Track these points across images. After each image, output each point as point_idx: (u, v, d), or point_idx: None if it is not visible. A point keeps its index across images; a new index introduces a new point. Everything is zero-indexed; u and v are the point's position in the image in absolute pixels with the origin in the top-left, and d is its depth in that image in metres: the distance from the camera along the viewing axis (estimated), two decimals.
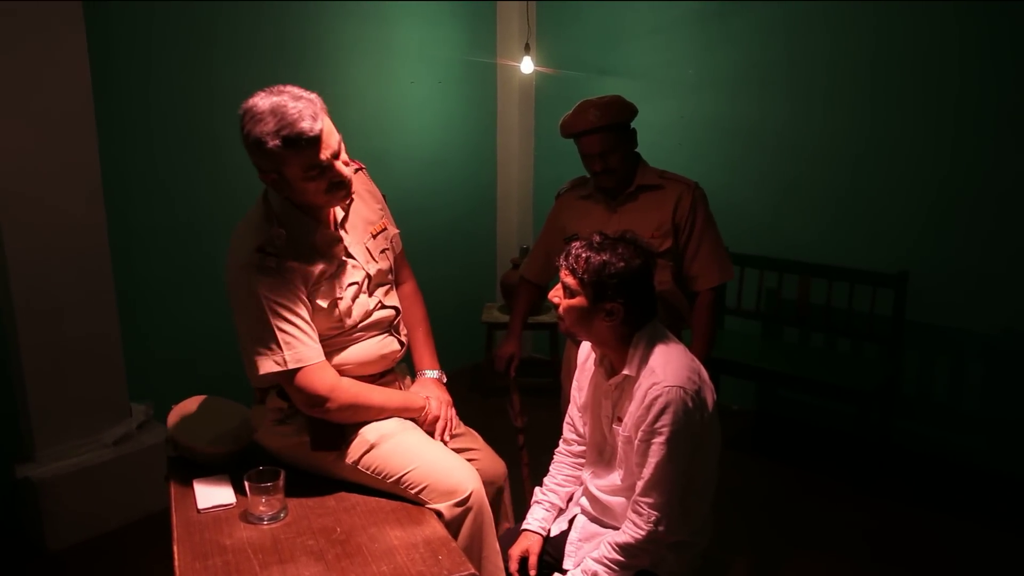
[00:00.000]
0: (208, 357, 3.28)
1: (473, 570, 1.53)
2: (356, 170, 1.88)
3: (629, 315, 1.68)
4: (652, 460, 1.63)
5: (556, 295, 1.74)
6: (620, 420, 1.74)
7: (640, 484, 1.66)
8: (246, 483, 1.66)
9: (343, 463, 1.79)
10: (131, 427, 2.93)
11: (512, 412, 2.55)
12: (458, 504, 1.73)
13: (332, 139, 1.66)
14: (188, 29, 3.10)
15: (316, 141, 1.61)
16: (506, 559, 1.86)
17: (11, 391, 2.78)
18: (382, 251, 1.93)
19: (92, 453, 2.83)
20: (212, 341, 3.23)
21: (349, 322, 1.81)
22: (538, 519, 1.92)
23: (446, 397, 2.01)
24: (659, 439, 1.62)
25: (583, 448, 1.96)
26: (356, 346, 1.85)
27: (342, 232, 1.83)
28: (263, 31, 3.33)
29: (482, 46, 4.32)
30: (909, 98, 3.24)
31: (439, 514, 1.72)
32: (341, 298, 1.79)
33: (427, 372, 2.07)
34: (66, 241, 2.71)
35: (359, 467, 1.78)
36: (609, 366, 1.79)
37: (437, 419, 1.93)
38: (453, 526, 1.72)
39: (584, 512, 1.90)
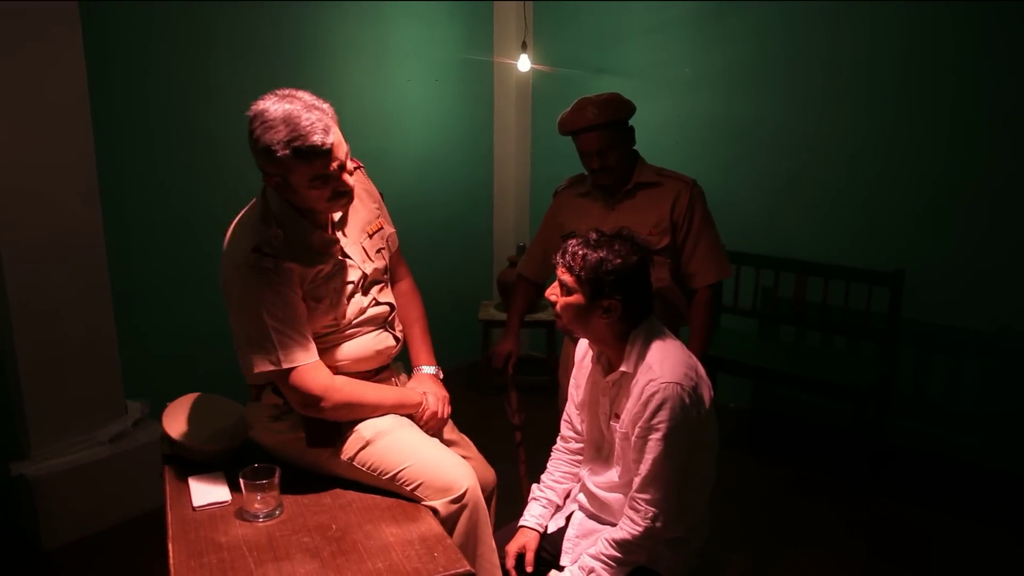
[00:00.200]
0: (204, 354, 3.28)
1: (468, 567, 1.53)
2: (354, 169, 1.87)
3: (627, 311, 1.68)
4: (649, 456, 1.63)
5: (553, 293, 1.74)
6: (617, 417, 1.74)
7: (637, 480, 1.66)
8: (241, 480, 1.65)
9: (339, 460, 1.79)
10: (127, 425, 2.92)
11: (510, 409, 2.55)
12: (454, 501, 1.73)
13: (340, 151, 1.66)
14: (185, 28, 3.10)
15: (326, 154, 1.62)
16: (503, 556, 1.86)
17: (6, 388, 2.77)
18: (378, 250, 1.93)
19: (88, 451, 2.82)
20: (208, 338, 3.23)
21: (343, 321, 1.82)
22: (535, 515, 1.92)
23: (443, 393, 2.01)
24: (656, 435, 1.62)
25: (580, 445, 1.96)
26: (352, 342, 1.85)
27: (339, 233, 1.83)
28: (260, 30, 3.32)
29: (479, 44, 4.32)
30: (905, 97, 3.25)
31: (435, 511, 1.72)
32: (336, 297, 1.79)
33: (424, 368, 2.07)
34: (62, 238, 2.70)
35: (355, 464, 1.78)
36: (607, 363, 1.79)
37: (435, 415, 1.93)
38: (449, 523, 1.72)
39: (582, 508, 1.90)
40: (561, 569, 1.81)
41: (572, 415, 1.97)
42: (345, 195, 1.72)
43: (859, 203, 3.43)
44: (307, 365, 1.71)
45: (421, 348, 2.10)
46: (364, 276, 1.86)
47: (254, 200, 1.80)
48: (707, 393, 1.72)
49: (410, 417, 1.91)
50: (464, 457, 1.97)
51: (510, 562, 1.85)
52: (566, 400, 2.00)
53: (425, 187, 4.15)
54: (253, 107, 1.63)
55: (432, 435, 1.91)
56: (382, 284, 1.95)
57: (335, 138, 1.64)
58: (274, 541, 1.59)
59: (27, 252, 2.63)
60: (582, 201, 2.53)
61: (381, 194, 2.02)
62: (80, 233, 2.75)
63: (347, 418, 1.80)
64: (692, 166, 3.23)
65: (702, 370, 1.75)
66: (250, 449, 1.89)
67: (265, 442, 1.87)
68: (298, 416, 1.79)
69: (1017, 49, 2.98)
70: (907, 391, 3.44)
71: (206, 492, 1.75)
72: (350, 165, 1.72)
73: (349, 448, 1.78)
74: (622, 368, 1.71)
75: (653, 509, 1.65)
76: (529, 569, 1.85)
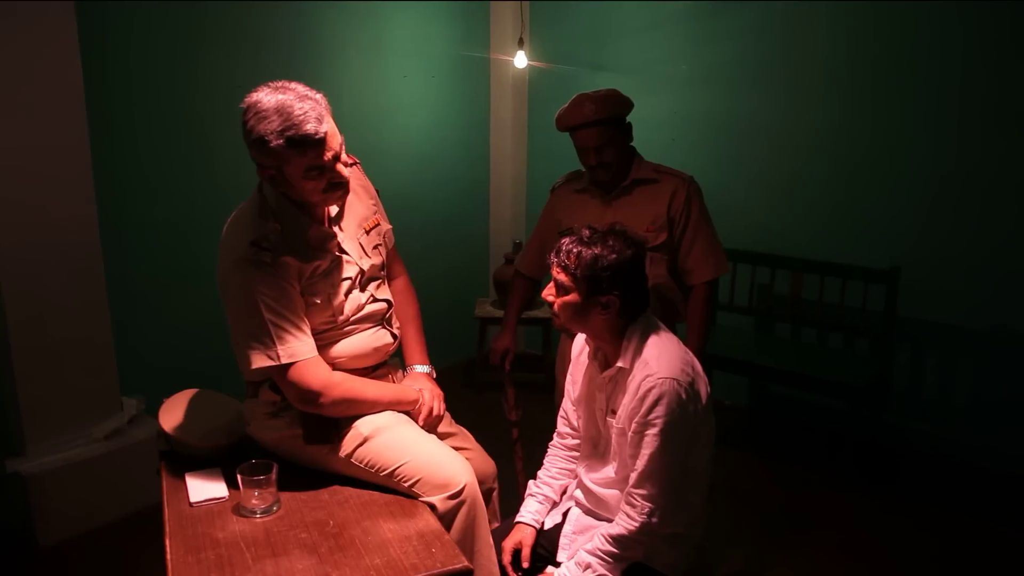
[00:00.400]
0: (200, 351, 3.26)
1: (466, 563, 1.53)
2: (351, 165, 1.87)
3: (625, 306, 1.68)
4: (645, 452, 1.63)
5: (549, 293, 1.74)
6: (614, 413, 1.74)
7: (634, 476, 1.66)
8: (239, 476, 1.65)
9: (336, 456, 1.79)
10: (122, 421, 2.91)
11: (507, 406, 2.56)
12: (451, 497, 1.73)
13: (335, 141, 1.66)
14: (180, 25, 3.09)
15: (320, 143, 1.61)
16: (499, 552, 1.86)
17: (1, 385, 2.76)
18: (375, 247, 1.93)
19: (83, 447, 2.81)
20: (204, 335, 3.22)
21: (341, 317, 1.82)
22: (532, 512, 1.93)
23: (437, 391, 2.01)
24: (652, 431, 1.62)
25: (577, 441, 1.96)
26: (349, 339, 1.85)
27: (336, 228, 1.82)
28: (256, 26, 3.31)
29: (475, 41, 4.31)
30: (902, 95, 3.26)
31: (432, 507, 1.72)
32: (334, 293, 1.78)
33: (417, 367, 2.07)
34: (57, 235, 2.69)
35: (352, 460, 1.78)
36: (603, 359, 1.79)
37: (432, 411, 1.94)
38: (446, 519, 1.72)
39: (578, 505, 1.90)
40: (557, 565, 1.81)
41: (568, 411, 1.97)
42: (340, 186, 1.71)
43: (856, 201, 3.44)
44: (306, 360, 1.71)
45: (415, 347, 2.10)
46: (361, 272, 1.86)
47: (251, 195, 1.80)
48: (704, 389, 1.72)
49: (407, 414, 1.91)
50: (463, 449, 1.99)
51: (506, 558, 1.86)
52: (563, 396, 2.01)
53: (421, 184, 4.15)
54: (246, 99, 1.63)
55: (429, 431, 1.91)
56: (379, 281, 1.95)
57: (328, 127, 1.63)
58: (271, 537, 1.59)
59: (22, 249, 2.62)
60: (579, 197, 2.53)
61: (377, 191, 2.02)
62: (75, 229, 2.73)
63: (345, 414, 1.80)
64: (689, 163, 3.22)
65: (699, 366, 1.75)
66: (247, 445, 1.89)
67: (262, 438, 1.87)
68: (296, 412, 1.79)
69: (1014, 48, 2.98)
70: (903, 388, 3.45)
71: (203, 488, 1.75)
72: (345, 157, 1.72)
73: (347, 444, 1.78)
74: (619, 364, 1.71)
75: (649, 505, 1.65)
76: (525, 565, 1.85)
